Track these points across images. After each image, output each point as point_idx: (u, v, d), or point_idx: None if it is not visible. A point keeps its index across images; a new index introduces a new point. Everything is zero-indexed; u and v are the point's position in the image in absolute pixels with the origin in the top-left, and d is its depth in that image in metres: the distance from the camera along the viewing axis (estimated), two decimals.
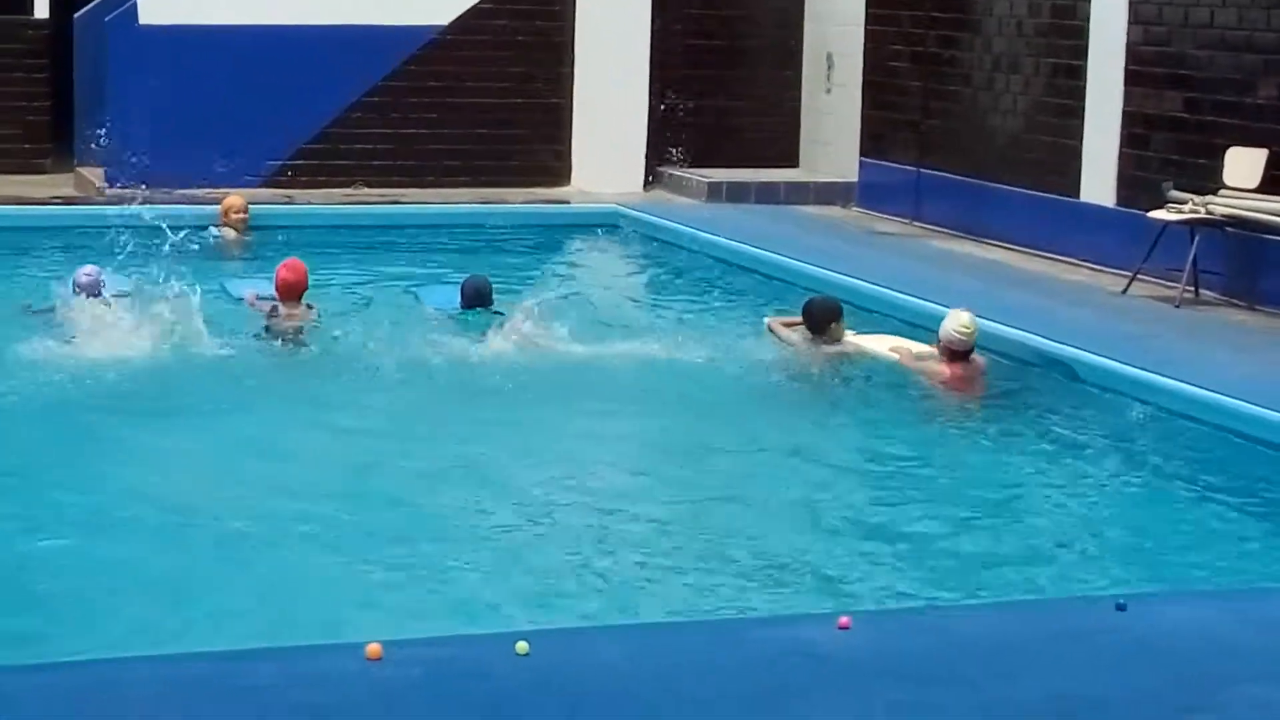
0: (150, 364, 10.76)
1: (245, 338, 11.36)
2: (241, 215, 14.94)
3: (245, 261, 14.35)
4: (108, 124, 16.72)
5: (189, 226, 12.75)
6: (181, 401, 10.16)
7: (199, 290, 11.32)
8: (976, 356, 11.02)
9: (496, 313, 11.83)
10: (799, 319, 11.45)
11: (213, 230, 14.88)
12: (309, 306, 11.69)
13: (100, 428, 9.54)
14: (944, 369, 10.81)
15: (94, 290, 11.53)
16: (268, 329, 11.47)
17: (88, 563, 7.45)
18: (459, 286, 12.23)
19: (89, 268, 11.86)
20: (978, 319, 10.87)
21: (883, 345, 11.32)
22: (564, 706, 5.52)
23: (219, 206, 15.03)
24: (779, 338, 11.53)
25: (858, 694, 5.70)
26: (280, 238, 14.60)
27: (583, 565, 7.61)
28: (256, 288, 12.19)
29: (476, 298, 11.95)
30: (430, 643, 6.14)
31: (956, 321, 10.79)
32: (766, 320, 11.81)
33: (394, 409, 10.09)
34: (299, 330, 11.46)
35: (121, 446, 9.27)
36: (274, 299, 11.67)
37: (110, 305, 11.34)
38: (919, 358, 10.97)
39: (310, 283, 11.72)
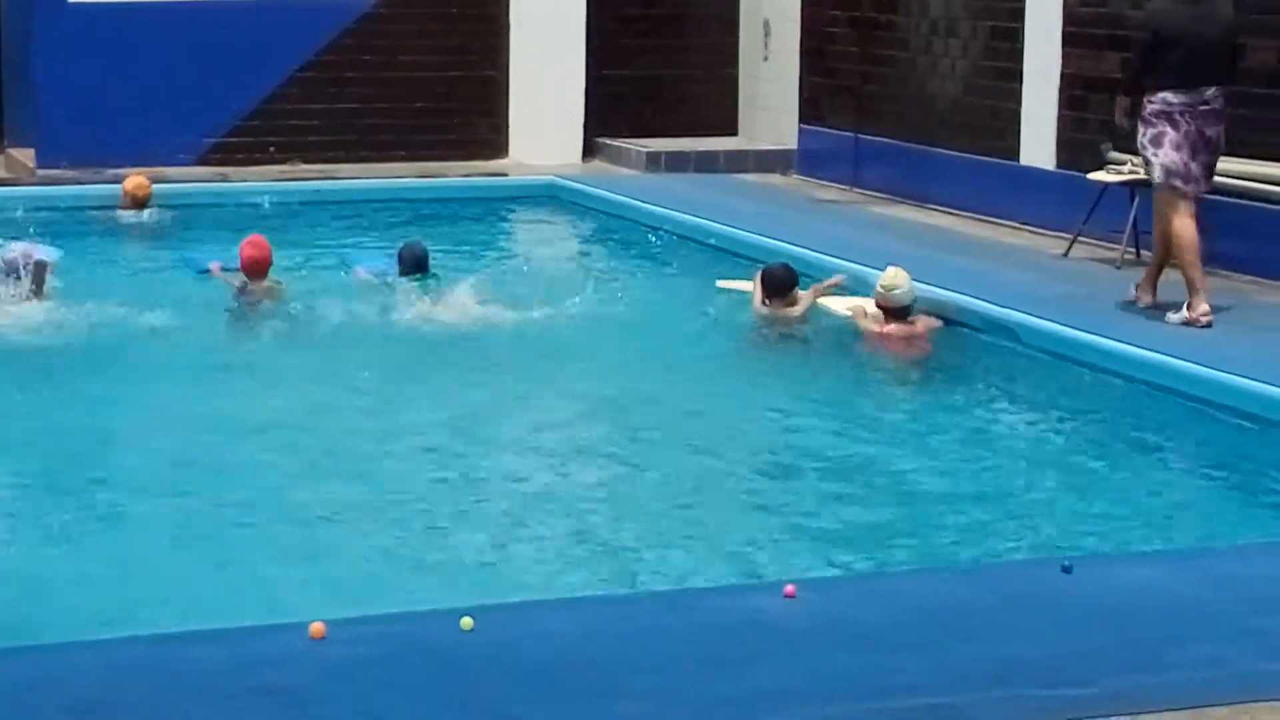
0: (82, 335, 10.76)
1: (199, 309, 11.44)
2: (146, 192, 14.74)
3: (156, 239, 14.21)
4: (38, 104, 16.56)
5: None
6: (121, 373, 10.12)
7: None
8: (926, 318, 11.08)
9: (433, 276, 11.94)
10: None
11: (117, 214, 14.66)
12: (276, 282, 11.78)
13: (30, 403, 9.46)
14: (879, 327, 10.92)
15: (16, 267, 11.55)
16: (237, 304, 11.60)
17: (21, 543, 7.33)
18: (397, 253, 12.32)
19: (14, 245, 11.89)
20: (909, 278, 10.98)
21: (844, 305, 11.40)
22: (513, 678, 5.47)
23: (122, 187, 14.81)
24: (752, 290, 11.64)
25: (808, 660, 5.67)
26: (175, 214, 14.53)
27: (526, 539, 7.55)
28: (220, 259, 12.24)
29: (414, 263, 12.05)
30: (374, 620, 6.07)
31: (884, 278, 10.95)
32: (757, 275, 11.85)
33: (334, 380, 10.08)
34: (268, 305, 11.58)
35: (55, 422, 9.18)
36: (239, 274, 11.76)
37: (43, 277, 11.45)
38: (868, 316, 11.05)
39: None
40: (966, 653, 5.75)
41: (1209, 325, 10.58)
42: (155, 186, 15.18)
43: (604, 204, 15.63)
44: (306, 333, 11.13)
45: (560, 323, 11.18)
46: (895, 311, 10.93)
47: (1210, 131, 10.78)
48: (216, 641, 5.81)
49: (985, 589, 6.45)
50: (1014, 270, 12.45)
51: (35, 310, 11.14)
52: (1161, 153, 10.74)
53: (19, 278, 11.48)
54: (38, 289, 11.39)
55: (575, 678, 5.52)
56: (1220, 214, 12.47)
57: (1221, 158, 12.13)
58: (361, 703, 5.29)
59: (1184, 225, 10.75)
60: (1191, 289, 10.72)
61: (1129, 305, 11.13)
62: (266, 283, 11.73)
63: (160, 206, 14.78)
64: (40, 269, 11.66)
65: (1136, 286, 11.17)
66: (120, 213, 14.65)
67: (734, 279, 12.26)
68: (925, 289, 11.60)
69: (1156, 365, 9.87)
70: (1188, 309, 10.69)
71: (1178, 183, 10.76)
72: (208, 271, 12.28)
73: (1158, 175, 10.82)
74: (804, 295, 11.48)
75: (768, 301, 11.48)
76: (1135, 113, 10.96)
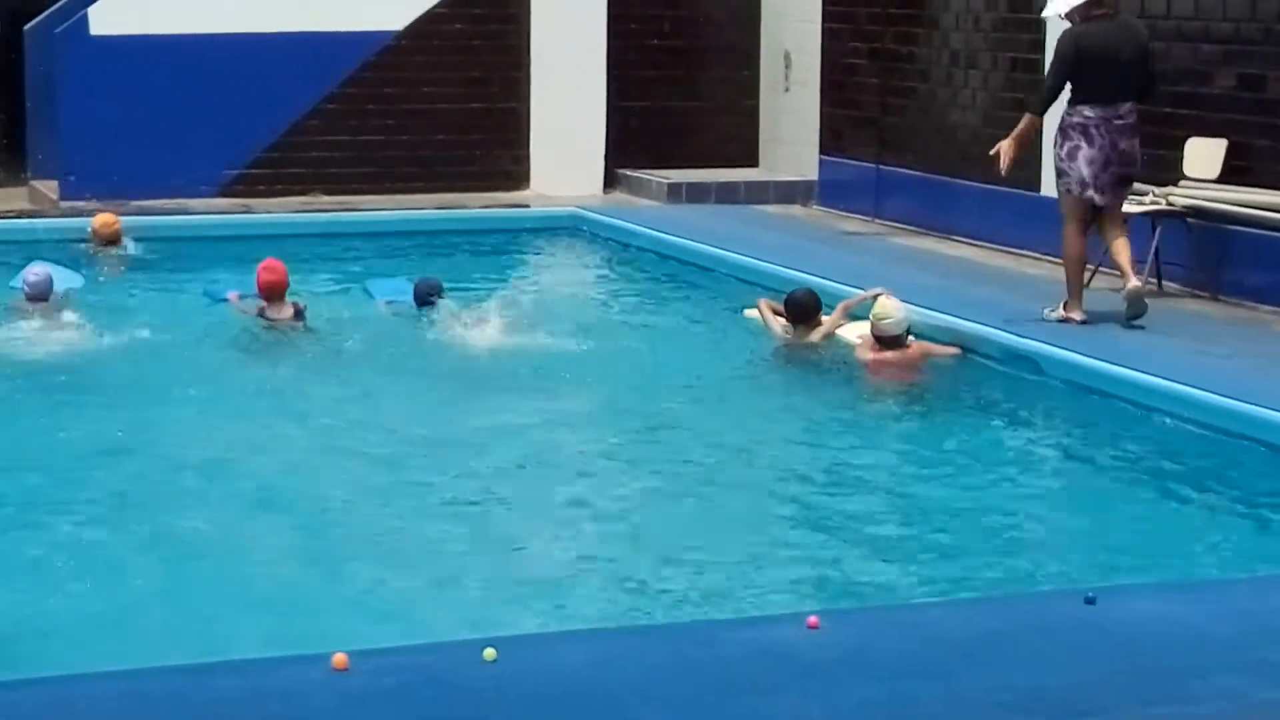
0: (102, 360, 10.90)
1: (217, 337, 11.63)
2: (113, 229, 14.60)
3: (130, 274, 14.19)
4: (61, 136, 16.64)
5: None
6: (135, 396, 10.21)
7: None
8: (925, 344, 11.19)
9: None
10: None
11: (86, 248, 14.57)
12: (295, 306, 11.86)
13: (51, 426, 9.51)
14: (872, 354, 11.02)
15: (41, 290, 11.85)
16: (258, 330, 11.74)
17: (36, 571, 7.34)
18: (412, 286, 12.44)
19: (37, 268, 12.10)
20: (902, 307, 11.03)
21: (855, 332, 11.44)
22: (529, 711, 5.47)
23: (91, 226, 14.61)
24: (764, 320, 11.72)
25: (829, 691, 5.66)
26: (152, 247, 14.49)
27: (550, 569, 7.55)
28: (238, 289, 12.38)
29: (429, 297, 12.14)
30: (397, 652, 6.07)
31: (875, 308, 11.04)
32: (758, 302, 11.97)
33: (355, 406, 10.14)
34: (290, 330, 11.73)
35: (67, 446, 9.22)
36: (257, 300, 11.89)
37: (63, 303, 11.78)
38: (864, 343, 11.18)
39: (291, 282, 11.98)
40: (984, 683, 5.73)
41: (1084, 323, 11.44)
42: (177, 218, 15.21)
43: (625, 235, 15.65)
44: (328, 360, 11.22)
45: (580, 351, 11.22)
46: (888, 340, 10.96)
47: (1124, 144, 11.48)
48: (235, 673, 5.81)
49: (1005, 619, 6.43)
50: (1035, 301, 12.43)
51: (53, 335, 11.24)
52: (1075, 166, 11.47)
53: (45, 299, 11.70)
54: (57, 313, 11.56)
55: (592, 710, 5.51)
56: (1242, 244, 12.48)
57: (1244, 189, 12.20)
58: None
59: (1074, 235, 11.59)
60: (1071, 293, 11.60)
61: (1063, 324, 11.50)
62: (287, 307, 11.80)
63: (136, 239, 14.70)
64: (69, 295, 11.87)
65: (1064, 305, 11.62)
66: (96, 250, 14.54)
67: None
68: (946, 320, 11.63)
69: (1176, 395, 9.85)
70: (1064, 308, 11.58)
71: (1090, 194, 11.49)
72: (226, 301, 12.37)
73: (1071, 186, 11.52)
74: (827, 319, 11.52)
75: (789, 329, 11.51)
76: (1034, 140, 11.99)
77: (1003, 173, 11.76)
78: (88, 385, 10.43)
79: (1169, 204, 12.60)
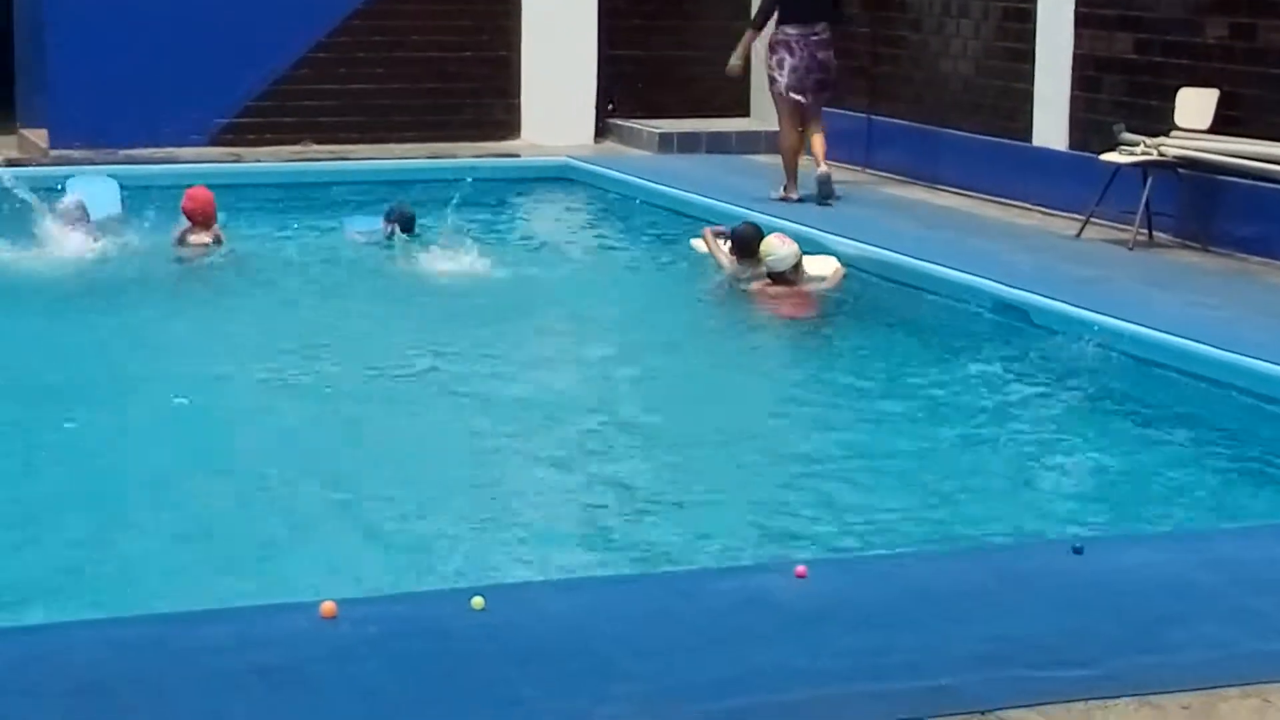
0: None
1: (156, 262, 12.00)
2: None
3: None
4: (50, 85, 16.57)
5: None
6: (84, 325, 10.32)
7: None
8: (811, 287, 11.44)
9: (416, 237, 12.40)
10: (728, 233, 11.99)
11: None
12: (217, 237, 12.32)
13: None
14: (758, 286, 11.39)
15: (78, 216, 12.22)
16: (179, 257, 12.18)
17: (14, 516, 7.33)
18: (384, 213, 12.77)
19: (72, 196, 12.55)
20: (786, 244, 11.33)
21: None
22: (521, 661, 5.47)
23: None
24: (711, 250, 11.96)
25: (809, 641, 5.66)
26: None
27: (536, 517, 7.54)
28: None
29: (402, 224, 12.26)
30: (385, 600, 6.09)
31: (762, 247, 11.42)
32: (704, 231, 12.21)
33: (322, 338, 10.22)
34: (207, 254, 12.17)
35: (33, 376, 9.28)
36: (180, 226, 12.35)
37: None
38: (755, 277, 11.49)
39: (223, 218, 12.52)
40: (968, 634, 5.73)
41: (800, 201, 13.96)
42: (167, 167, 15.21)
43: (616, 185, 15.62)
44: (240, 285, 11.51)
45: (553, 292, 11.39)
46: (775, 275, 11.28)
47: (821, 55, 14.11)
48: (221, 621, 5.80)
49: (990, 570, 6.43)
50: (1026, 251, 12.43)
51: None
52: (783, 74, 14.06)
53: (87, 221, 12.12)
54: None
55: (576, 659, 5.51)
56: (1233, 195, 12.47)
57: (1236, 139, 12.18)
58: (362, 682, 5.30)
59: (788, 129, 14.23)
60: (788, 177, 14.18)
61: (781, 202, 13.90)
62: (206, 234, 12.23)
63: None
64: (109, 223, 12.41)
65: (784, 188, 14.11)
66: None
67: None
68: (936, 270, 11.64)
69: (1165, 346, 9.85)
70: (784, 190, 14.12)
71: (795, 96, 14.05)
72: None
73: (782, 90, 14.09)
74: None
75: (735, 259, 11.68)
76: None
77: (732, 75, 14.69)
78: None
79: (1160, 154, 12.58)
